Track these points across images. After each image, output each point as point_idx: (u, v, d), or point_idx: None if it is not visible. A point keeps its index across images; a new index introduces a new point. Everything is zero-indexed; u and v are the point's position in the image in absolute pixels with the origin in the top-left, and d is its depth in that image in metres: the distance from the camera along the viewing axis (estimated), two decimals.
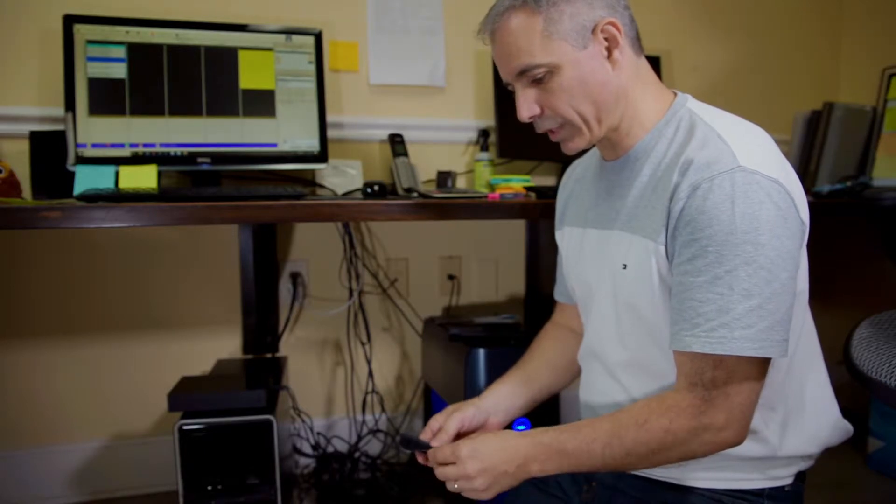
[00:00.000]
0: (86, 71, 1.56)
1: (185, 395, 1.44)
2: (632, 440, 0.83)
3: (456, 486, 0.89)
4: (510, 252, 2.15)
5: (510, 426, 0.99)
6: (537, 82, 0.90)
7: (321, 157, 1.74)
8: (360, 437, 1.99)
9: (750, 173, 0.80)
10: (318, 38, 1.74)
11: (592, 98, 0.90)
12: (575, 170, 1.14)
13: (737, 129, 0.87)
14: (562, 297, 1.20)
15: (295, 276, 1.96)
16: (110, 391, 1.84)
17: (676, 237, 0.84)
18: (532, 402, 1.11)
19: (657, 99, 0.94)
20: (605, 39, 0.89)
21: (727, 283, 0.79)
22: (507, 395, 1.09)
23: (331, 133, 1.84)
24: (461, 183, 2.06)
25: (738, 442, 0.83)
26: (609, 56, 0.89)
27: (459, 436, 1.02)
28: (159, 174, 1.51)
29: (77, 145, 1.55)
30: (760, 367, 0.82)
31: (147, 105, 1.61)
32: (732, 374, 0.80)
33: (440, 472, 0.91)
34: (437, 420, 1.04)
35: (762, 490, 0.92)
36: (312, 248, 1.98)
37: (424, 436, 1.02)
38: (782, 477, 0.94)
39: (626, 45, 0.90)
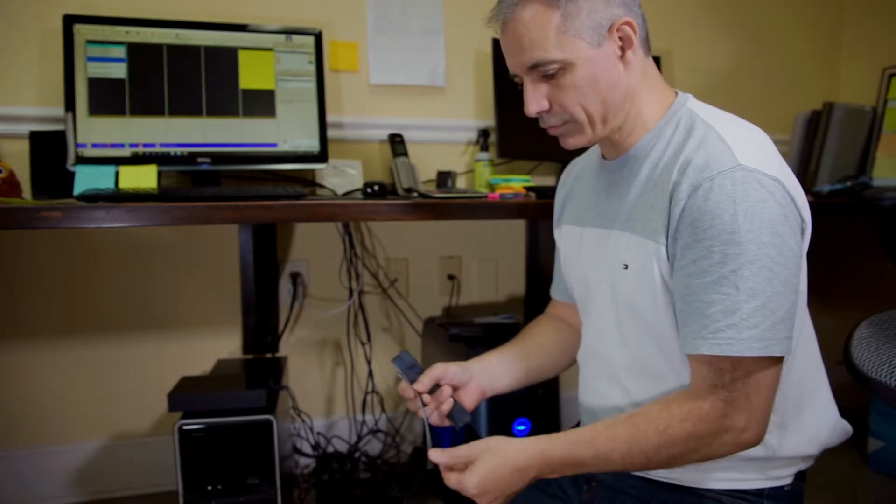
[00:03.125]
0: (86, 71, 1.56)
1: (185, 395, 1.44)
2: (654, 447, 0.82)
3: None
4: (510, 252, 2.15)
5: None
6: (548, 77, 0.89)
7: (321, 157, 1.74)
8: (360, 437, 1.99)
9: (750, 172, 0.80)
10: (318, 38, 1.74)
11: (602, 97, 0.89)
12: (574, 168, 1.13)
13: (736, 128, 0.87)
14: (558, 295, 1.20)
15: (295, 276, 1.96)
16: (110, 391, 1.84)
17: (678, 239, 0.84)
18: (521, 379, 1.10)
19: (660, 99, 0.94)
20: (620, 39, 0.88)
21: (733, 283, 0.79)
22: (496, 364, 1.08)
23: (331, 133, 1.84)
24: (461, 183, 2.06)
25: (758, 442, 0.83)
26: (622, 56, 0.89)
27: (435, 390, 1.01)
28: (159, 174, 1.51)
29: (77, 145, 1.55)
30: (775, 365, 0.82)
31: (147, 105, 1.61)
32: (750, 375, 0.80)
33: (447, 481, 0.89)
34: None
35: (762, 490, 0.92)
36: (312, 248, 1.98)
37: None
38: (782, 477, 0.94)
39: (638, 45, 0.90)
